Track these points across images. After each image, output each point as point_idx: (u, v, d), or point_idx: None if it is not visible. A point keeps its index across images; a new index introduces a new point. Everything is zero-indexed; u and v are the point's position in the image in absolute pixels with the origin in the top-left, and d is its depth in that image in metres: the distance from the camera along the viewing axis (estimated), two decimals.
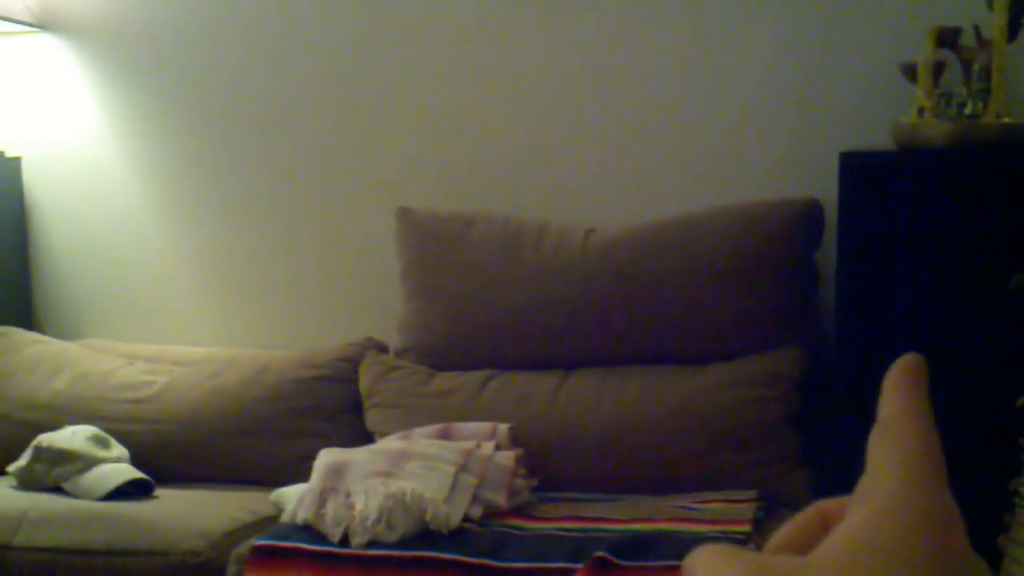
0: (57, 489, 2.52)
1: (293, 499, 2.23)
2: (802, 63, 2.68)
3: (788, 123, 2.69)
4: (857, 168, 2.23)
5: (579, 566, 1.92)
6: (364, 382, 2.67)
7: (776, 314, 2.48)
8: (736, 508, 2.18)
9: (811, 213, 2.51)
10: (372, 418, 2.63)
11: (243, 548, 2.16)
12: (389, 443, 2.39)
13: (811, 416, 2.40)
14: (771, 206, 2.53)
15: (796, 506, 2.23)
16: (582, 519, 2.18)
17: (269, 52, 3.00)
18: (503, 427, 2.42)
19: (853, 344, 2.23)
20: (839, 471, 2.27)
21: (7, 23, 2.96)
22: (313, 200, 3.00)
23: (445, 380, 2.61)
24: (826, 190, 2.45)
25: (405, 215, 2.76)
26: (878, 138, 2.46)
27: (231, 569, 2.16)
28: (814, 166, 2.62)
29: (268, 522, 2.30)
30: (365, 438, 2.60)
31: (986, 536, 1.97)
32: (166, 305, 3.13)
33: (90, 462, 2.54)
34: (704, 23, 2.74)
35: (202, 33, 3.03)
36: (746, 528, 2.06)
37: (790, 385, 2.38)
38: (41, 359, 2.87)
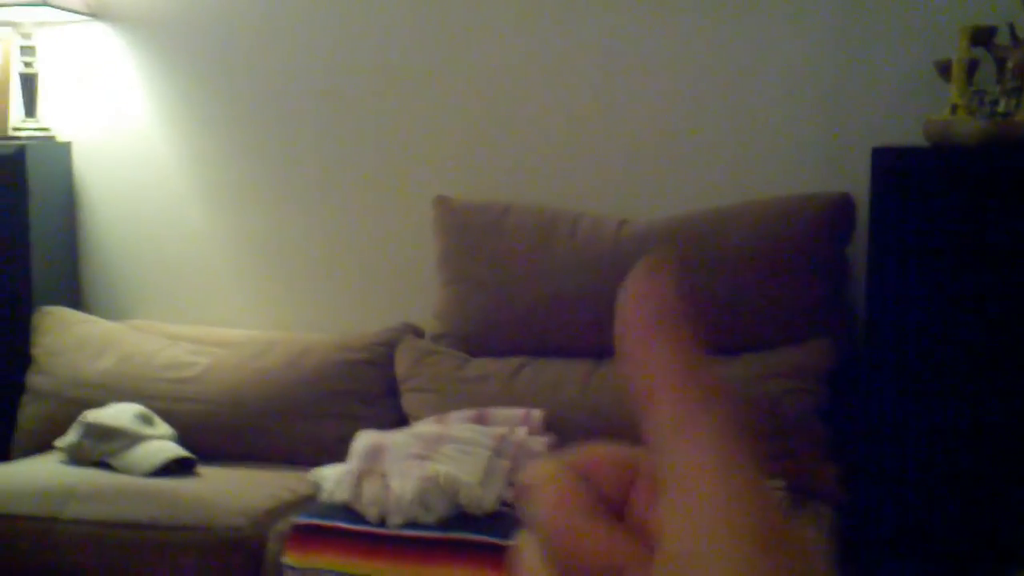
0: (104, 465, 2.58)
1: (331, 479, 2.26)
2: (836, 59, 2.69)
3: (821, 118, 2.71)
4: (889, 164, 2.24)
5: None
6: (401, 366, 2.72)
7: (806, 307, 2.50)
8: None
9: (843, 208, 2.52)
10: (408, 402, 2.68)
11: (283, 526, 2.21)
12: (425, 426, 2.43)
13: (840, 408, 2.42)
14: (803, 200, 2.55)
15: (825, 497, 2.27)
16: None
17: (314, 44, 3.04)
18: (536, 413, 2.45)
19: (883, 338, 2.25)
20: (867, 462, 2.30)
21: (63, 12, 3.02)
22: (353, 188, 3.04)
23: (479, 366, 2.65)
24: (858, 185, 2.47)
25: (443, 204, 2.80)
26: (910, 135, 2.47)
27: (271, 546, 2.21)
28: (846, 161, 2.63)
29: (307, 501, 2.34)
30: (401, 421, 2.64)
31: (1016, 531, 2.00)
32: (209, 288, 3.18)
33: (136, 439, 2.59)
34: (739, 16, 2.75)
35: (249, 24, 3.08)
36: None
37: (819, 377, 2.40)
38: (88, 339, 2.93)
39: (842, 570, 2.10)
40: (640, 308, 0.34)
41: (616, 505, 0.35)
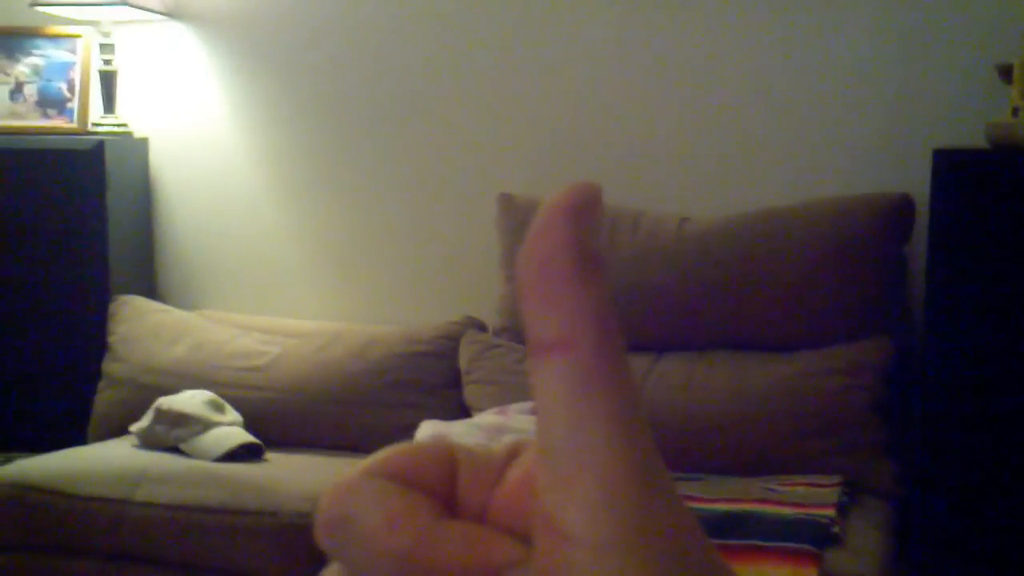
0: (175, 449, 2.63)
1: None
2: (898, 59, 2.69)
3: (882, 119, 2.71)
4: (950, 165, 2.24)
5: None
6: (463, 359, 2.76)
7: (864, 305, 2.50)
8: (820, 492, 2.21)
9: (902, 208, 2.52)
10: (470, 393, 2.72)
11: None
12: (487, 418, 2.46)
13: (897, 406, 2.43)
14: (863, 200, 2.55)
15: (881, 493, 2.28)
16: None
17: (381, 44, 3.09)
18: None
19: (941, 337, 2.25)
20: (924, 460, 2.31)
21: (141, 11, 3.10)
22: (420, 184, 3.09)
23: None
24: (918, 186, 2.47)
25: (506, 201, 2.84)
26: (971, 137, 2.47)
27: None
28: (907, 162, 2.63)
29: None
30: (463, 412, 2.69)
31: None
32: (278, 280, 3.24)
33: (207, 425, 2.64)
34: (801, 16, 2.76)
35: (319, 24, 3.14)
36: (830, 512, 2.09)
37: (877, 374, 2.41)
38: (163, 327, 2.99)
39: (898, 567, 2.12)
40: (558, 246, 0.28)
41: (447, 502, 0.31)
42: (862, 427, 2.37)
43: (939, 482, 2.27)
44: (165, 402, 2.70)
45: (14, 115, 3.23)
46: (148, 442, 2.69)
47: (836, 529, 2.03)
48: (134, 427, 2.74)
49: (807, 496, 2.20)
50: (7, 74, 3.24)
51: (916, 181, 2.48)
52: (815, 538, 1.96)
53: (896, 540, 2.18)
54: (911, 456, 2.36)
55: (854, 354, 2.44)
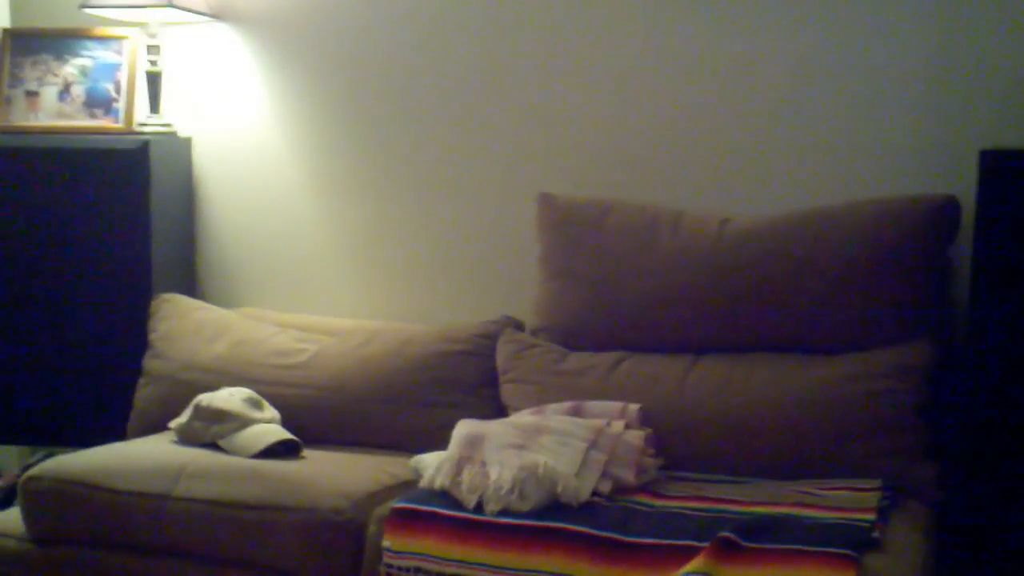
0: (214, 445, 2.65)
1: (431, 465, 2.29)
2: (945, 58, 2.65)
3: (928, 118, 2.67)
4: (997, 166, 2.20)
5: (704, 545, 1.94)
6: (500, 358, 2.75)
7: (908, 307, 2.46)
8: (861, 496, 2.18)
9: (948, 210, 2.48)
10: (507, 393, 2.71)
11: (384, 509, 2.24)
12: (524, 417, 2.45)
13: (939, 409, 2.39)
14: (908, 201, 2.51)
15: (922, 498, 2.24)
16: (707, 499, 2.21)
17: (421, 43, 3.10)
18: (633, 407, 2.46)
19: (985, 340, 2.21)
20: (966, 464, 2.26)
21: (187, 13, 3.13)
22: (459, 184, 3.09)
23: (578, 359, 2.67)
24: (964, 186, 2.43)
25: (546, 200, 2.83)
26: (1020, 137, 2.42)
27: (372, 529, 2.24)
28: (953, 162, 2.59)
29: (407, 486, 2.37)
30: (500, 411, 2.68)
31: None
32: (318, 279, 3.25)
33: (245, 422, 2.66)
34: (846, 14, 2.73)
35: (359, 24, 3.15)
36: (871, 516, 2.06)
37: (919, 377, 2.37)
38: (203, 324, 3.01)
39: (939, 572, 2.08)
40: None
41: None
42: (903, 430, 2.34)
43: (981, 486, 2.23)
44: (204, 399, 2.72)
45: (62, 115, 3.27)
46: (187, 438, 2.71)
47: (876, 533, 2.00)
48: (173, 423, 2.76)
49: (847, 500, 2.17)
50: (56, 75, 3.28)
51: (962, 182, 2.45)
52: (855, 542, 1.93)
53: (937, 545, 2.15)
54: (953, 460, 2.32)
55: (897, 357, 2.40)
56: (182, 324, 3.02)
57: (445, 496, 2.20)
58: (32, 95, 3.29)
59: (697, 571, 1.87)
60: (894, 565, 1.92)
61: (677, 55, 2.88)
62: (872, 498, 2.16)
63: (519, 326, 2.87)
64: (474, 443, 2.29)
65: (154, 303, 3.09)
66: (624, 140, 2.94)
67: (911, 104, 2.69)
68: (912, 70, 2.69)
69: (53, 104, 3.28)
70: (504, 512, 2.12)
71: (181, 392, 2.84)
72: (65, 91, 3.28)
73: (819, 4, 2.75)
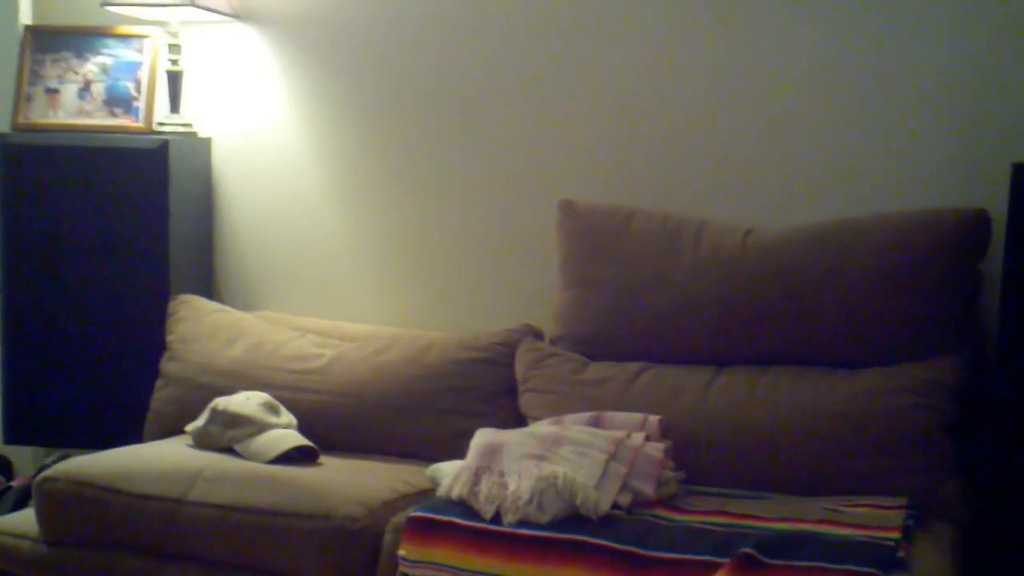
0: (230, 450, 2.64)
1: (449, 474, 2.28)
2: (977, 70, 2.62)
3: (960, 131, 2.64)
4: None
5: (725, 560, 1.92)
6: (520, 367, 2.73)
7: (935, 322, 2.44)
8: (885, 514, 2.15)
9: (979, 224, 2.45)
10: (526, 402, 2.69)
11: (399, 518, 2.23)
12: (543, 427, 2.42)
13: (966, 426, 2.35)
14: (937, 214, 2.49)
15: (948, 517, 2.20)
16: (729, 515, 2.18)
17: (444, 48, 3.09)
18: (653, 419, 2.44)
19: (1016, 357, 2.18)
20: (995, 483, 2.23)
21: (208, 12, 3.13)
22: (479, 190, 3.08)
23: (598, 369, 2.65)
24: (995, 200, 2.40)
25: (567, 207, 2.81)
26: None
27: (387, 537, 2.23)
28: (984, 175, 2.56)
29: (424, 495, 2.36)
30: (519, 421, 2.66)
31: None
32: (336, 283, 3.24)
33: (261, 427, 2.65)
34: (877, 24, 2.70)
35: (384, 27, 3.14)
36: (895, 535, 2.02)
37: (947, 394, 2.34)
38: (220, 327, 3.01)
39: None
40: None
41: None
42: (929, 447, 2.30)
43: (1011, 506, 2.19)
44: (221, 403, 2.71)
45: (82, 113, 3.27)
46: (203, 442, 2.70)
47: (901, 553, 1.96)
48: (189, 427, 2.76)
49: (871, 518, 2.14)
50: (76, 73, 3.28)
51: (994, 195, 2.41)
52: (880, 562, 1.90)
53: (964, 566, 2.11)
54: (981, 478, 2.29)
55: (924, 373, 2.37)
56: (199, 326, 3.02)
57: (463, 506, 2.18)
58: (52, 93, 3.29)
59: None
60: None
61: (702, 63, 2.86)
62: (897, 516, 2.13)
63: (538, 335, 2.85)
64: (493, 453, 2.27)
65: (171, 304, 3.08)
66: (646, 148, 2.92)
67: (942, 115, 2.66)
68: (944, 81, 2.66)
69: (73, 102, 3.28)
70: (522, 523, 2.10)
71: (198, 395, 2.84)
72: (85, 89, 3.28)
73: (849, 13, 2.73)
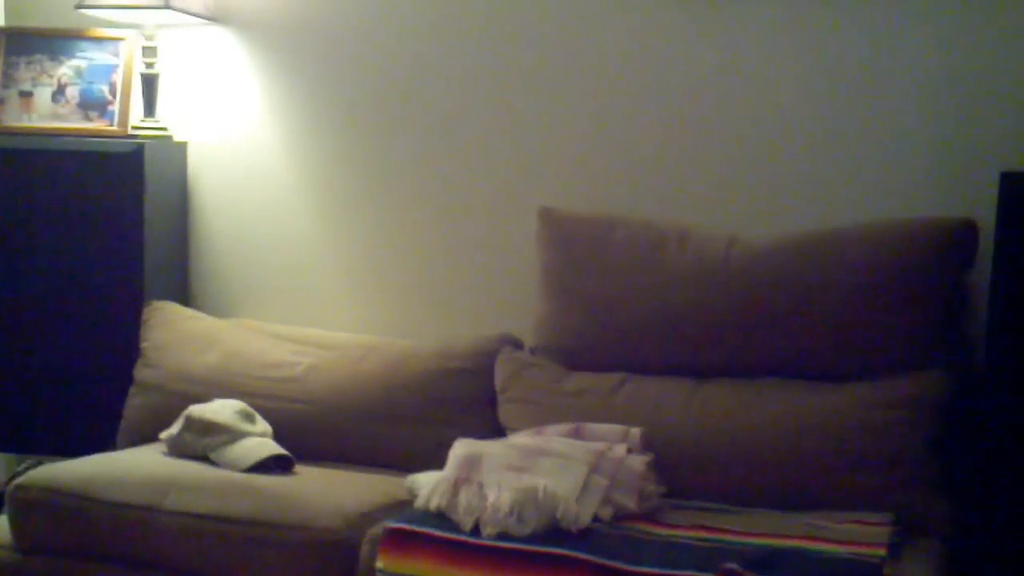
0: (205, 459, 2.61)
1: (427, 485, 2.25)
2: (964, 76, 2.61)
3: (946, 139, 2.62)
4: (1019, 190, 2.15)
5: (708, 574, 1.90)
6: (499, 377, 2.71)
7: (921, 335, 2.42)
8: (870, 530, 2.13)
9: (965, 234, 2.44)
10: (505, 412, 2.66)
11: (377, 529, 2.20)
12: (524, 439, 2.41)
13: (952, 442, 2.34)
14: (923, 224, 2.48)
15: (934, 534, 2.19)
16: (711, 529, 2.17)
17: (421, 53, 3.06)
18: (635, 431, 2.42)
19: (1003, 371, 2.17)
20: (981, 500, 2.21)
21: (184, 15, 3.09)
22: (458, 197, 3.05)
23: (579, 380, 2.62)
24: (983, 210, 2.39)
25: (548, 216, 2.78)
26: None
27: (364, 548, 2.20)
28: (971, 185, 2.55)
29: (402, 506, 2.33)
30: (497, 431, 2.63)
31: None
32: (313, 290, 3.21)
33: (237, 435, 2.62)
34: (861, 29, 2.69)
35: (360, 30, 3.12)
36: (881, 552, 2.01)
37: (932, 409, 2.33)
38: (195, 334, 2.98)
39: None
40: None
41: None
42: (914, 463, 2.29)
43: (997, 523, 2.18)
44: (196, 410, 2.68)
45: (56, 116, 3.24)
46: (177, 450, 2.67)
47: (887, 571, 1.95)
48: (164, 435, 2.72)
49: (857, 534, 2.12)
50: (50, 76, 3.25)
51: (981, 205, 2.40)
52: None
53: None
54: (967, 495, 2.28)
55: (909, 387, 2.36)
56: (174, 333, 2.99)
57: (441, 517, 2.16)
58: (26, 96, 3.26)
59: None
60: None
61: (686, 69, 2.84)
62: (883, 533, 2.12)
63: (518, 344, 2.82)
64: (472, 464, 2.25)
65: (146, 311, 3.05)
66: (627, 156, 2.90)
67: (929, 123, 2.64)
68: (930, 87, 2.64)
69: (47, 105, 3.25)
70: (502, 536, 2.08)
71: (172, 403, 2.81)
72: (60, 92, 3.25)
73: (833, 18, 2.71)
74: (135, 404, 2.93)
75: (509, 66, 2.99)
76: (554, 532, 2.08)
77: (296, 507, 2.33)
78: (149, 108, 3.18)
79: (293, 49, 3.18)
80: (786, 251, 2.54)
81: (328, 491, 2.43)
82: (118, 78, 3.22)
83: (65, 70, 3.25)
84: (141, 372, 2.96)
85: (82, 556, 2.43)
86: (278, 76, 3.21)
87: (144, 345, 2.99)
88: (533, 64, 2.96)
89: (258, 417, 2.72)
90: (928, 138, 2.64)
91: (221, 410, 2.67)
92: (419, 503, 2.23)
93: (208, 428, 2.63)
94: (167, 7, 3.01)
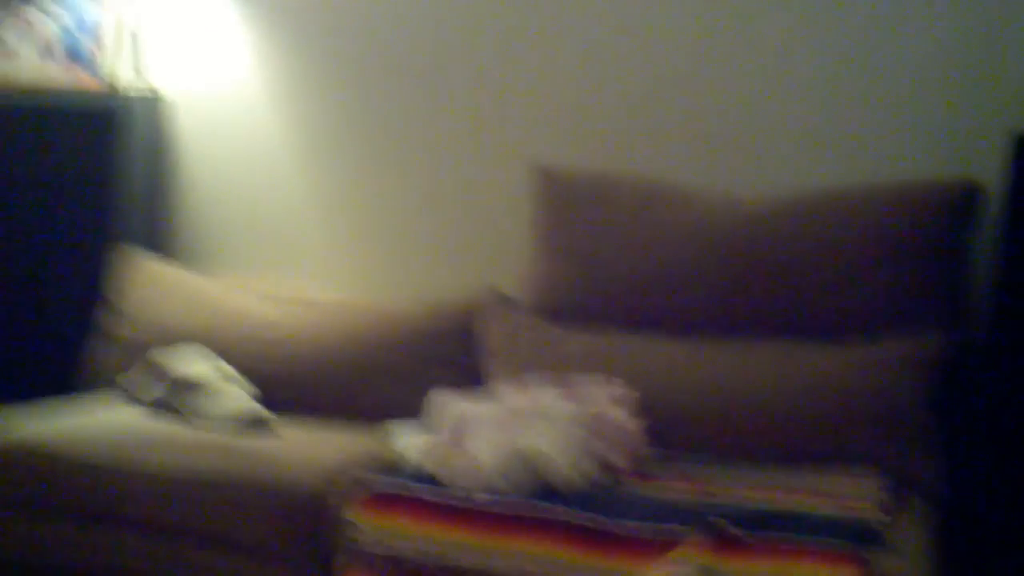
0: (177, 413, 2.61)
1: (412, 444, 2.24)
2: (974, 36, 2.58)
3: (952, 99, 2.60)
4: None
5: (692, 530, 1.90)
6: (488, 334, 2.68)
7: (922, 296, 2.41)
8: (861, 488, 2.13)
9: (968, 196, 2.42)
10: (494, 369, 2.62)
11: (357, 488, 2.17)
12: (514, 398, 2.38)
13: (949, 402, 2.33)
14: (925, 185, 2.46)
15: (929, 494, 2.18)
16: (703, 486, 2.16)
17: (412, 8, 3.03)
18: (626, 389, 2.39)
19: (1007, 334, 2.15)
20: (980, 461, 2.20)
21: None
22: (448, 152, 3.02)
23: (571, 338, 2.59)
24: (987, 171, 2.37)
25: (544, 174, 2.75)
26: None
27: (343, 507, 2.16)
28: (977, 145, 2.52)
29: (383, 464, 2.29)
30: (483, 387, 2.59)
31: None
32: (300, 247, 3.19)
33: (214, 392, 2.61)
34: None
35: None
36: (872, 508, 2.01)
37: (931, 369, 2.32)
38: (178, 291, 2.95)
39: (944, 570, 2.02)
40: None
41: None
42: (910, 423, 2.28)
43: (995, 484, 2.17)
44: (168, 365, 2.67)
45: (39, 70, 3.21)
46: (144, 400, 2.67)
47: (880, 528, 1.94)
48: (124, 380, 2.73)
49: (848, 491, 2.11)
50: (35, 28, 3.21)
51: (989, 167, 2.37)
52: (857, 537, 1.88)
53: (943, 542, 2.09)
54: (965, 456, 2.26)
55: (908, 348, 2.34)
56: (156, 289, 2.96)
57: (430, 479, 2.14)
58: (9, 48, 3.22)
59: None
60: (898, 562, 1.87)
61: (687, 24, 2.79)
62: (874, 490, 2.12)
63: (507, 300, 2.78)
64: (461, 425, 2.24)
65: (122, 263, 3.02)
66: (620, 108, 2.85)
67: (934, 81, 2.61)
68: (936, 47, 2.61)
69: (31, 58, 3.21)
70: (492, 496, 2.07)
71: (138, 353, 2.80)
72: (44, 46, 3.21)
73: None
74: (110, 357, 2.90)
75: (499, 15, 2.95)
76: (544, 491, 2.07)
77: (273, 464, 2.32)
78: (135, 61, 3.16)
79: (281, 5, 3.15)
80: (785, 211, 2.52)
81: (306, 448, 2.42)
82: (105, 34, 3.17)
83: (50, 23, 3.21)
84: (117, 327, 2.93)
85: (51, 514, 2.40)
86: (267, 31, 3.17)
87: (119, 297, 2.96)
88: (524, 13, 2.92)
89: (234, 373, 2.71)
90: (932, 98, 2.62)
91: (195, 365, 2.66)
92: (407, 464, 2.21)
93: (186, 386, 2.62)
94: None
